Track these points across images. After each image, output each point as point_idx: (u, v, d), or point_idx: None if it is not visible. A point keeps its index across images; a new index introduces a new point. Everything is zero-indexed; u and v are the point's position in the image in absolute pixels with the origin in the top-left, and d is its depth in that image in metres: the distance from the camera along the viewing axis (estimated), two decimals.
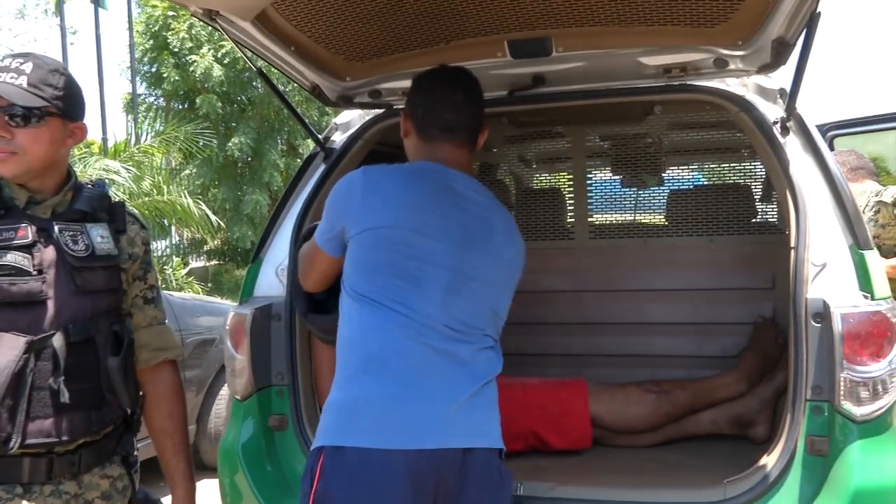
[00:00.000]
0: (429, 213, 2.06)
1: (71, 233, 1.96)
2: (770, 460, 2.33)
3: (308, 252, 2.29)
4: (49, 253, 1.91)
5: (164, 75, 15.21)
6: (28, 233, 1.89)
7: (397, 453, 1.90)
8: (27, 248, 1.88)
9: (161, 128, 13.32)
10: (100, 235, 2.02)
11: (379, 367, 1.98)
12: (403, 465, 1.90)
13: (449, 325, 2.02)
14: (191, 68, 14.75)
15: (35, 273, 1.88)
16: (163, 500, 2.25)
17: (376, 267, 2.03)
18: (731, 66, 2.66)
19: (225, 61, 14.86)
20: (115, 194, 9.77)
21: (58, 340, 1.89)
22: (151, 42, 15.57)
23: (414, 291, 2.01)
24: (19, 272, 1.86)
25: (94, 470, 2.02)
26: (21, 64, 1.94)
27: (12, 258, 1.85)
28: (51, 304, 1.90)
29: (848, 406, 2.21)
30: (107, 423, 2.02)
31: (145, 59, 15.83)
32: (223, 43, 14.43)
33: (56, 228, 1.94)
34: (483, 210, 2.17)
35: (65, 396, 1.88)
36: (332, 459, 1.93)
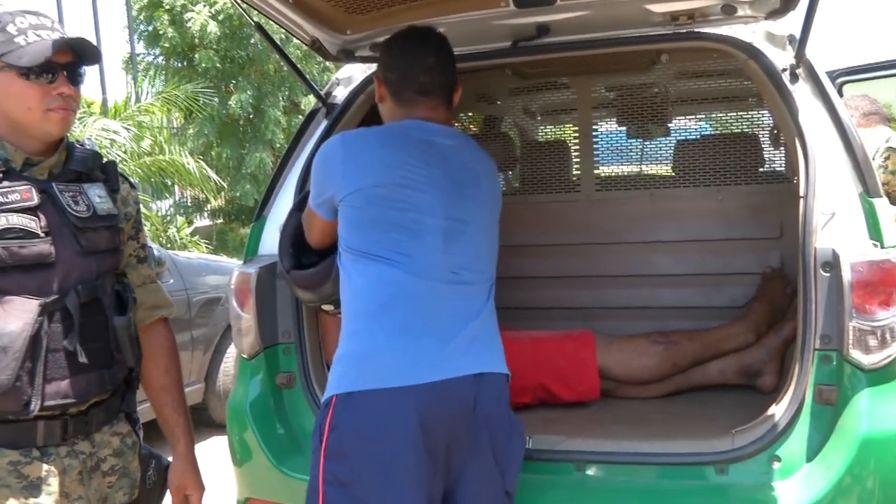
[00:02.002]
0: (413, 167, 2.11)
1: (71, 193, 1.95)
2: (778, 410, 2.33)
3: (307, 214, 2.34)
4: (53, 214, 1.90)
5: (161, 33, 15.08)
6: (33, 195, 1.87)
7: (405, 390, 1.95)
8: (33, 211, 1.86)
9: (161, 87, 13.25)
10: (98, 195, 2.01)
11: (386, 313, 2.03)
12: (413, 401, 1.94)
13: (452, 270, 2.10)
14: (187, 24, 14.64)
15: (43, 235, 1.86)
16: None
17: (372, 223, 2.07)
18: (740, 13, 2.61)
19: (220, 17, 14.73)
20: (117, 154, 9.77)
21: (71, 301, 1.89)
22: (145, 0, 15.43)
23: (413, 242, 2.07)
24: (28, 235, 1.84)
25: (104, 428, 2.03)
26: (53, 23, 1.93)
27: (19, 220, 1.83)
28: (59, 266, 1.89)
29: (856, 355, 2.21)
30: (116, 382, 2.04)
31: (141, 18, 15.70)
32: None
33: (56, 189, 1.92)
34: (465, 159, 2.23)
35: (82, 357, 1.89)
36: (342, 407, 1.97)
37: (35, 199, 1.87)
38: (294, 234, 2.48)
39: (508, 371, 2.19)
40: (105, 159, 2.13)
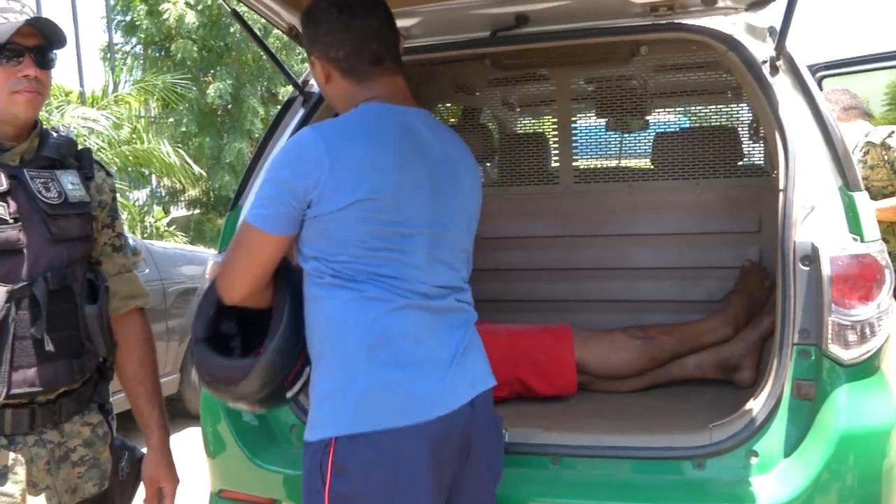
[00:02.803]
0: (400, 171, 1.89)
1: (42, 180, 1.92)
2: (756, 404, 2.32)
3: (241, 241, 1.92)
4: (23, 201, 1.87)
5: (138, 24, 14.97)
6: (2, 180, 1.84)
7: (416, 428, 1.82)
8: (2, 196, 1.84)
9: (139, 76, 13.15)
10: (70, 182, 1.98)
11: (379, 345, 1.85)
12: (426, 437, 1.83)
13: (436, 284, 1.94)
14: (163, 16, 14.53)
15: (11, 221, 1.84)
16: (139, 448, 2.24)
17: (361, 242, 1.85)
18: (720, 4, 2.59)
19: (199, 7, 14.63)
20: (95, 143, 9.68)
21: (39, 289, 1.86)
22: None
23: (400, 260, 1.88)
24: None
25: (75, 418, 2.01)
26: (24, 6, 1.90)
27: None
28: (27, 253, 1.86)
29: (835, 350, 2.20)
30: (86, 372, 2.01)
31: (118, 8, 15.57)
32: None
33: (27, 175, 1.89)
34: (443, 146, 2.04)
35: (49, 345, 1.86)
36: (347, 449, 1.81)
37: (4, 184, 1.84)
38: (214, 299, 2.03)
39: (495, 380, 2.10)
40: (80, 147, 2.11)
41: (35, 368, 1.86)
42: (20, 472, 1.86)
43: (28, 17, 1.87)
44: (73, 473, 1.99)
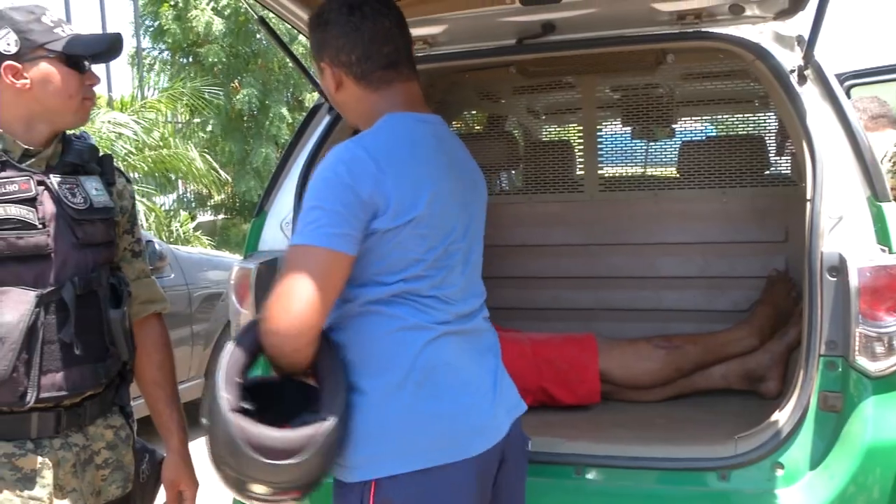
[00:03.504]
0: (441, 182, 1.81)
1: (68, 185, 1.96)
2: (782, 416, 2.30)
3: (311, 269, 1.65)
4: (50, 206, 1.90)
5: (166, 28, 15.10)
6: (31, 186, 1.87)
7: (467, 463, 1.75)
8: (31, 202, 1.86)
9: (167, 82, 13.27)
10: (94, 188, 2.02)
11: (424, 378, 1.74)
12: (474, 470, 1.77)
13: (468, 302, 1.87)
14: (191, 23, 14.65)
15: (40, 226, 1.86)
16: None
17: (419, 261, 1.75)
18: (748, 13, 2.58)
19: (226, 13, 14.74)
20: (123, 148, 9.78)
21: (68, 293, 1.89)
22: None
23: (446, 278, 1.79)
24: (26, 226, 1.84)
25: (98, 421, 2.03)
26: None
27: (17, 211, 1.84)
28: (55, 258, 1.89)
29: (862, 361, 2.18)
30: (110, 375, 2.04)
31: (146, 14, 15.73)
32: None
33: (54, 181, 1.92)
34: (462, 153, 1.99)
35: (78, 349, 1.89)
36: (388, 489, 1.71)
37: (33, 190, 1.87)
38: (242, 363, 1.70)
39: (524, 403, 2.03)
40: (102, 153, 2.14)
41: (63, 372, 1.88)
42: (47, 476, 1.87)
43: (111, 34, 1.99)
44: (98, 476, 2.01)
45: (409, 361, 1.74)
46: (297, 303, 1.62)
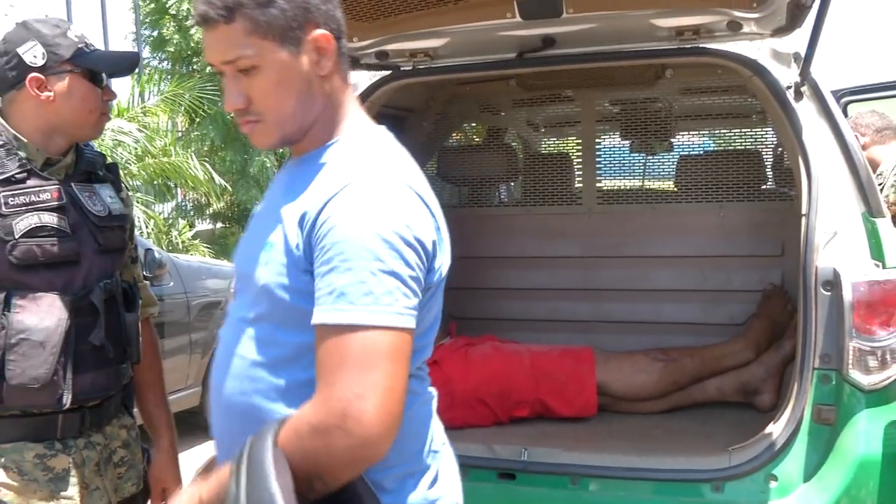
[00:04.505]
0: None
1: (87, 193, 2.02)
2: (776, 428, 2.32)
3: (395, 355, 1.25)
4: (74, 214, 1.95)
5: (167, 38, 15.15)
6: (61, 194, 1.93)
7: None
8: (61, 210, 1.92)
9: (165, 89, 13.28)
10: (108, 195, 2.07)
11: (443, 446, 1.54)
12: None
13: None
14: (191, 31, 14.70)
15: (70, 233, 1.92)
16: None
17: (437, 319, 1.46)
18: (745, 29, 2.61)
19: None
20: (122, 155, 9.78)
21: (97, 297, 1.95)
22: (152, 6, 15.52)
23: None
24: (59, 233, 1.90)
25: (113, 421, 2.08)
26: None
27: (50, 219, 1.89)
28: (83, 264, 1.94)
29: (856, 375, 2.20)
30: (128, 376, 2.10)
31: (146, 23, 15.78)
32: None
33: (76, 189, 1.98)
34: None
35: (110, 352, 1.96)
36: None
37: (64, 198, 1.93)
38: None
39: None
40: (108, 160, 2.18)
41: (92, 374, 1.94)
42: (76, 476, 1.92)
43: (132, 52, 2.03)
44: (115, 474, 2.06)
45: (427, 436, 1.48)
46: (399, 405, 1.26)
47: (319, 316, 1.26)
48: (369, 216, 1.26)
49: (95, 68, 1.95)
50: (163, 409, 2.25)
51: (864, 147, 4.02)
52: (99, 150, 2.18)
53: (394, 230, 1.26)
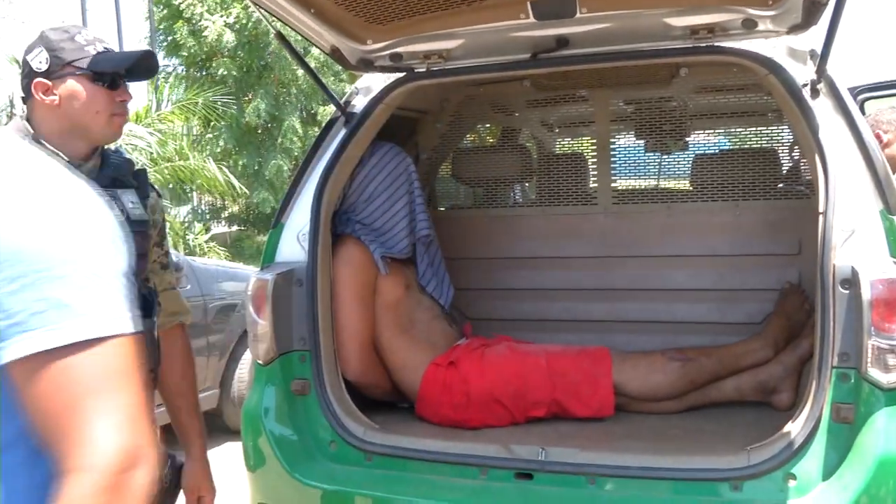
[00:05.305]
0: None
1: (107, 199, 1.99)
2: (794, 427, 2.31)
3: None
4: None
5: (181, 42, 15.24)
6: None
7: None
8: None
9: (182, 95, 13.37)
10: (130, 201, 2.07)
11: None
12: None
13: None
14: (203, 33, 14.78)
15: None
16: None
17: None
18: (761, 27, 2.60)
19: (236, 27, 14.87)
20: (137, 159, 9.86)
21: None
22: (165, 11, 15.60)
23: None
24: None
25: None
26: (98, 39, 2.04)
27: None
28: None
29: (875, 373, 2.19)
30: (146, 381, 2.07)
31: (160, 28, 15.88)
32: (232, 9, 14.50)
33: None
34: None
35: None
36: None
37: None
38: None
39: None
40: (136, 167, 2.19)
41: None
42: None
43: (140, 51, 2.04)
44: None
45: None
46: None
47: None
48: None
49: (96, 69, 1.96)
50: (195, 418, 2.26)
51: (887, 144, 3.99)
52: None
53: None
